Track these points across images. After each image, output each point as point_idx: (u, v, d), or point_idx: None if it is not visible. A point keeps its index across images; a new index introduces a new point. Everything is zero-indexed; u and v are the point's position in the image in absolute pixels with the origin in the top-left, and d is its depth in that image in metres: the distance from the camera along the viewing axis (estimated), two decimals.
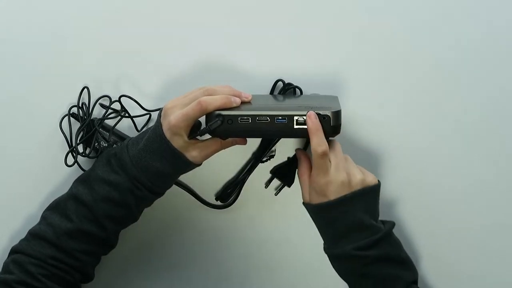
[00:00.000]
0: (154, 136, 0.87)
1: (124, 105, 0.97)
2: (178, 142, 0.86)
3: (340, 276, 0.90)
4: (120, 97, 0.96)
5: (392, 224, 0.90)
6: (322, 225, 0.89)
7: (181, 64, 0.98)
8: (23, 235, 0.91)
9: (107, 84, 0.98)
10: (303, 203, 0.90)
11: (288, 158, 0.98)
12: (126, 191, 0.88)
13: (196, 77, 0.98)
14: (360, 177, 0.87)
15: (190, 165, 0.88)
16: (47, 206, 0.92)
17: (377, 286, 0.87)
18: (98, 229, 0.88)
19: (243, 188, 0.99)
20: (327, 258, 0.90)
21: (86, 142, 0.96)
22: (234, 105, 0.86)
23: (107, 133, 0.95)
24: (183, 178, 0.97)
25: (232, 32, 0.98)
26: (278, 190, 0.99)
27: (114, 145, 0.94)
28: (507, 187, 0.98)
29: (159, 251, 1.01)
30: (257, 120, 0.84)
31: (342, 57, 0.97)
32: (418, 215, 0.99)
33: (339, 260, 0.88)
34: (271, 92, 0.98)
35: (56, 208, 0.90)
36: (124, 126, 0.98)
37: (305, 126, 0.84)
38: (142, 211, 0.92)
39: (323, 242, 0.90)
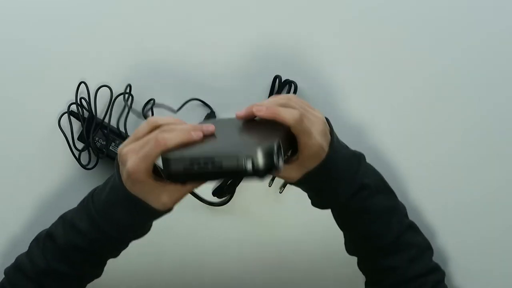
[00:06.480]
0: (115, 187, 0.77)
1: (123, 102, 0.96)
2: (141, 189, 0.75)
3: (343, 225, 0.84)
4: (117, 95, 0.96)
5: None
6: (326, 179, 0.79)
7: (179, 62, 0.97)
8: (21, 236, 0.91)
9: (105, 82, 0.97)
10: (296, 183, 0.80)
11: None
12: (95, 242, 0.80)
13: (194, 74, 0.97)
14: (319, 114, 0.78)
15: (159, 214, 0.78)
16: (44, 207, 0.91)
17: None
18: (73, 270, 0.83)
19: (243, 188, 0.97)
20: (328, 258, 0.88)
21: (85, 140, 0.96)
22: (197, 138, 0.72)
23: (105, 131, 0.95)
24: None
25: (231, 30, 0.97)
26: (282, 187, 0.98)
27: (113, 143, 0.94)
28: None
29: (157, 250, 1.01)
30: (202, 165, 0.68)
31: (343, 56, 0.97)
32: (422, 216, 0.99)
33: (356, 198, 0.81)
34: (271, 89, 0.97)
35: (38, 241, 0.85)
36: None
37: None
38: (120, 253, 0.85)
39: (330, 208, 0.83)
